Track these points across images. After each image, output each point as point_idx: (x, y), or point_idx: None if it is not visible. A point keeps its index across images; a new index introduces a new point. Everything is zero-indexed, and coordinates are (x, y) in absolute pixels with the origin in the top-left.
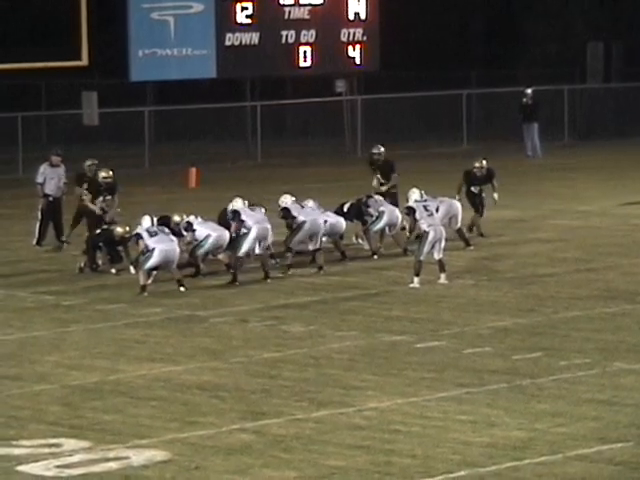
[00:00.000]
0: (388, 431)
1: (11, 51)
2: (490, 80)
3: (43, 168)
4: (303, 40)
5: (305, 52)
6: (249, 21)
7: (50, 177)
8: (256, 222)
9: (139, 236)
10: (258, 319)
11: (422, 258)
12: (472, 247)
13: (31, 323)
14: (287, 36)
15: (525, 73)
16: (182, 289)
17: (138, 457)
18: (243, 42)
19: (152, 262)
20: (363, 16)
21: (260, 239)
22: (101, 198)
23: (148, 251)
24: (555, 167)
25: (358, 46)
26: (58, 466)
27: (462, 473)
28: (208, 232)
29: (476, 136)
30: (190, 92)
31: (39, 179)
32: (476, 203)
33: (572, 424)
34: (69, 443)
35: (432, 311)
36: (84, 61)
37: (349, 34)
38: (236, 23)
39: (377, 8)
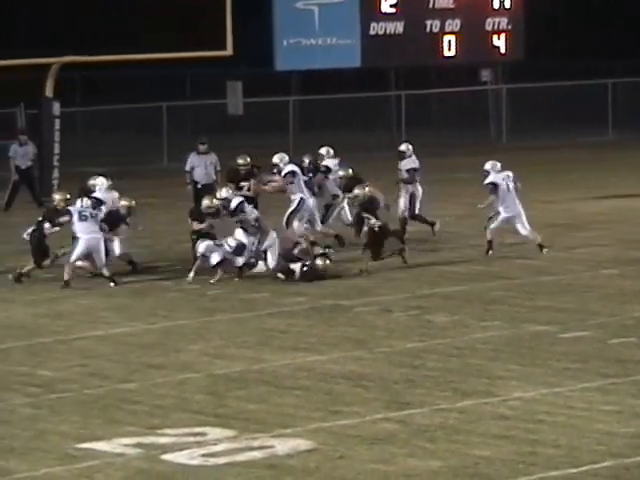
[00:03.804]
0: (532, 421)
1: (156, 41)
2: (637, 69)
3: (191, 157)
4: (448, 29)
5: (450, 41)
6: (394, 10)
7: (197, 165)
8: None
9: (69, 213)
10: (402, 309)
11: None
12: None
13: (176, 312)
14: (432, 25)
15: None
16: (112, 285)
17: (282, 446)
18: (388, 31)
19: (78, 253)
20: (508, 5)
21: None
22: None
23: (73, 239)
24: None
25: (503, 35)
26: (203, 455)
27: (607, 464)
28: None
29: (622, 125)
30: (334, 81)
31: (187, 167)
32: None
33: None
34: (214, 432)
35: (577, 301)
36: (229, 51)
37: (494, 23)
38: (381, 12)
39: None
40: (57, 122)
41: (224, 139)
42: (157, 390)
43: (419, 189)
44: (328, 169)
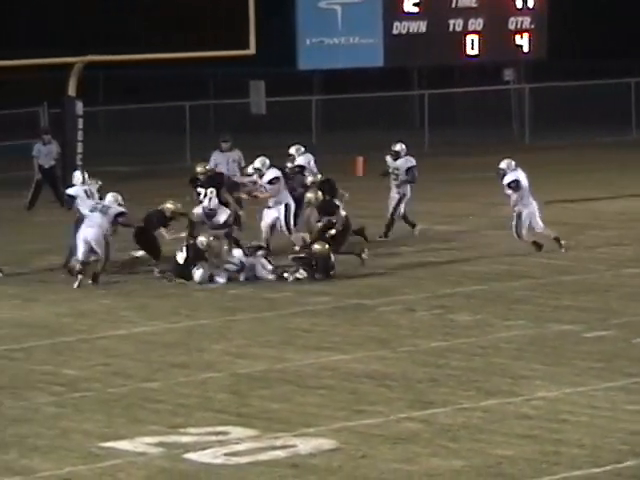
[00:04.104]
0: (556, 421)
1: (179, 40)
2: None
3: (215, 154)
4: (470, 28)
5: (472, 41)
6: (416, 10)
7: (220, 162)
8: None
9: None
10: (425, 308)
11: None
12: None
13: (198, 311)
14: (454, 25)
15: None
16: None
17: (305, 445)
18: (410, 31)
19: (79, 252)
20: (531, 4)
21: None
22: None
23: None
24: None
25: (526, 34)
26: (226, 454)
27: (630, 463)
28: None
29: None
30: (357, 81)
31: (211, 165)
32: None
33: None
34: (236, 431)
35: (601, 300)
36: (252, 50)
37: (517, 22)
38: (403, 12)
39: None
40: (80, 121)
41: (247, 139)
42: (180, 389)
43: (409, 189)
44: (302, 167)
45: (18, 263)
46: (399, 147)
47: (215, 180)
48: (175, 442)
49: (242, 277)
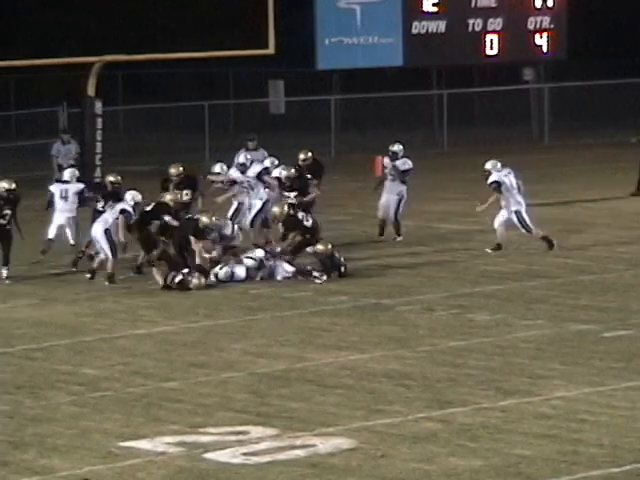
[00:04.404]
0: (575, 420)
1: (199, 39)
2: None
3: (241, 153)
4: (490, 28)
5: (492, 40)
6: (436, 9)
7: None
8: None
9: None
10: (444, 307)
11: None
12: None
13: (218, 311)
14: (474, 24)
15: None
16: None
17: (325, 445)
18: (430, 30)
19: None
20: (550, 4)
21: None
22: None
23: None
24: None
25: (545, 34)
26: (245, 453)
27: None
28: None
29: None
30: (376, 80)
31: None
32: None
33: None
34: (256, 430)
35: (620, 300)
36: (271, 49)
37: (536, 22)
38: (423, 11)
39: None
40: (99, 121)
41: (266, 138)
42: (199, 389)
43: (406, 191)
44: (265, 169)
45: (37, 262)
46: (397, 148)
47: (189, 181)
48: (195, 442)
49: (259, 276)
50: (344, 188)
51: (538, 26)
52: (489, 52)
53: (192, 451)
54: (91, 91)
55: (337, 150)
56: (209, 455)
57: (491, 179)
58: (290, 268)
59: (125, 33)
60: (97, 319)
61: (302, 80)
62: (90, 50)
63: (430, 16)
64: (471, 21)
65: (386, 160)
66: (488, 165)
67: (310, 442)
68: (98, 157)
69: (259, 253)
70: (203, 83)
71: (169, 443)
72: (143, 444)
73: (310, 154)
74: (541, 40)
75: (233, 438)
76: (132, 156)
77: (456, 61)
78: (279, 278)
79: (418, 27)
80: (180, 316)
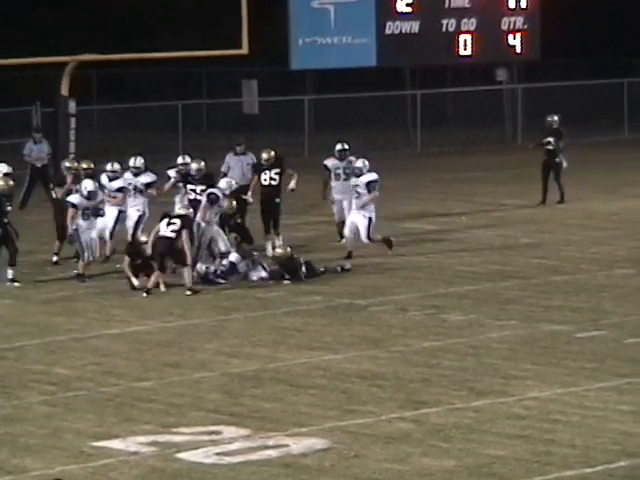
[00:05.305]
0: (548, 421)
1: (173, 39)
2: None
3: (228, 157)
4: (464, 29)
5: (465, 41)
6: (409, 10)
7: (233, 166)
8: None
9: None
10: (417, 308)
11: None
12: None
13: (191, 311)
14: (447, 25)
15: None
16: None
17: (297, 445)
18: (403, 30)
19: None
20: (524, 4)
21: None
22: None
23: None
24: None
25: (519, 34)
26: (217, 453)
27: (622, 464)
28: None
29: (638, 124)
30: (350, 80)
31: (223, 168)
32: None
33: None
34: (229, 431)
35: (592, 301)
36: (244, 49)
37: (510, 22)
38: (396, 12)
39: None
40: (73, 121)
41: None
42: (172, 389)
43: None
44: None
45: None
46: (361, 163)
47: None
48: (167, 441)
49: (254, 276)
50: (318, 189)
51: (512, 27)
52: (463, 52)
53: (165, 451)
54: (65, 90)
55: (310, 150)
56: (182, 455)
57: (370, 177)
58: (264, 273)
59: (99, 33)
60: (69, 319)
61: (276, 80)
62: (64, 50)
63: (404, 16)
64: (445, 21)
65: (332, 161)
66: (359, 164)
67: (283, 442)
68: (72, 157)
69: (233, 257)
70: (177, 83)
71: (142, 443)
72: (116, 444)
73: (273, 153)
74: (514, 40)
75: (206, 438)
76: (105, 156)
77: (430, 61)
78: (254, 279)
79: (392, 27)
80: (153, 316)
